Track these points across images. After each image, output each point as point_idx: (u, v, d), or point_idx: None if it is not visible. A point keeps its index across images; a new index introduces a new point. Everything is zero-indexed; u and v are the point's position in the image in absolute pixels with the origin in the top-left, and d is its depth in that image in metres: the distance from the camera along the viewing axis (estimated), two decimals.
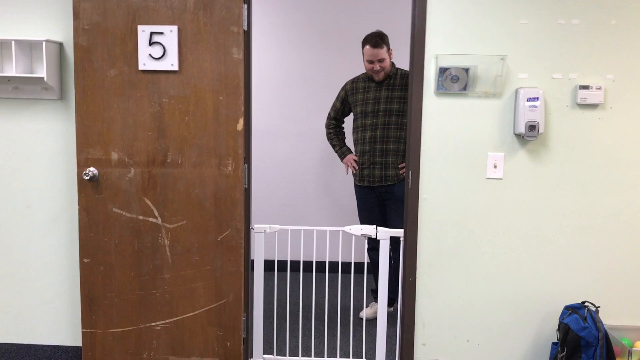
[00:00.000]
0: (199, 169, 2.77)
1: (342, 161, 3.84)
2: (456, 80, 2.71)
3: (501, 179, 2.79)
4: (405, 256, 2.88)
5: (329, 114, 3.88)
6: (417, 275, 2.87)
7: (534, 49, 2.70)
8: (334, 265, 4.41)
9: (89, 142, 2.77)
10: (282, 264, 4.32)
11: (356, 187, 3.79)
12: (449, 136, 2.78)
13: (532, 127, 2.67)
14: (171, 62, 2.69)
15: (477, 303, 2.88)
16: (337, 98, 3.83)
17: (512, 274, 2.85)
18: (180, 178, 2.78)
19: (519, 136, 2.75)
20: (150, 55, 2.69)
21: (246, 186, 2.83)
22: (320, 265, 4.43)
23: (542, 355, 2.88)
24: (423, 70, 2.73)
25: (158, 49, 2.68)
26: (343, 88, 3.79)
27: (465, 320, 2.89)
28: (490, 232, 2.83)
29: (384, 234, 2.99)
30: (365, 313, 3.78)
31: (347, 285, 4.27)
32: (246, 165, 2.82)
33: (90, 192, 2.80)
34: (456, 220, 2.83)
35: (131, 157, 2.77)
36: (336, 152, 3.85)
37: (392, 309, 3.90)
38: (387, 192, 3.66)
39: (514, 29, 2.69)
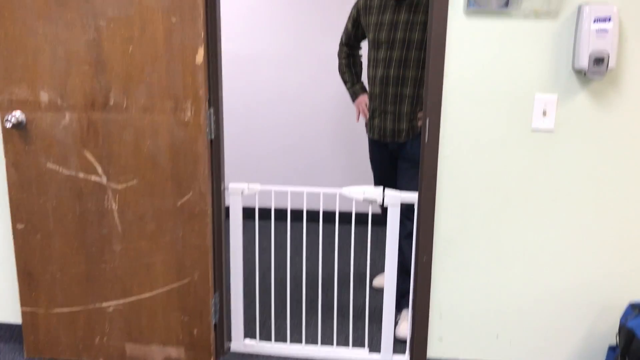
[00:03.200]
0: (150, 114, 2.13)
1: (353, 103, 3.07)
2: None
3: (552, 130, 2.06)
4: (419, 230, 2.21)
5: (341, 39, 3.06)
6: (433, 254, 2.22)
7: None
8: (330, 231, 3.77)
9: (11, 79, 2.15)
10: (266, 231, 3.69)
11: (368, 139, 3.03)
12: (482, 71, 2.04)
13: (599, 60, 1.90)
14: None
15: (510, 291, 2.21)
16: (349, 17, 2.98)
17: (559, 257, 2.16)
18: (126, 126, 2.15)
19: (579, 72, 1.99)
20: None
21: (212, 137, 2.19)
22: (313, 229, 3.79)
23: None
24: None
25: None
26: (355, 5, 2.93)
27: (495, 312, 2.24)
28: (532, 202, 2.13)
29: (393, 199, 2.32)
30: (379, 281, 3.18)
31: (345, 251, 3.63)
32: (211, 110, 2.16)
33: (18, 142, 2.21)
34: (487, 185, 2.13)
35: (65, 98, 2.15)
36: (347, 90, 3.09)
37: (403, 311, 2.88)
38: (399, 150, 2.84)
39: None
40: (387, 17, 2.70)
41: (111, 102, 2.13)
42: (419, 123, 2.73)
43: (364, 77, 3.47)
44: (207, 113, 2.13)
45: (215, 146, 2.21)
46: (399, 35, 2.65)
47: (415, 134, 2.72)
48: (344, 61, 3.05)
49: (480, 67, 2.03)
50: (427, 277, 2.24)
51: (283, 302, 3.00)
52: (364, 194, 2.34)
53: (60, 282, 2.33)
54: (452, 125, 2.09)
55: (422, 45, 2.62)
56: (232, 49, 4.03)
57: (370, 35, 2.76)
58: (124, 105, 2.13)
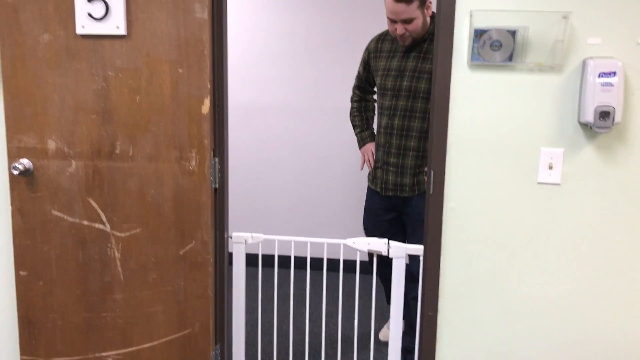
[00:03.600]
0: (155, 163, 2.14)
1: (359, 149, 3.02)
2: (498, 47, 1.95)
3: (558, 184, 2.03)
4: (424, 283, 2.17)
5: (354, 82, 3.02)
6: (439, 309, 2.17)
7: (613, 2, 1.90)
8: (336, 279, 3.73)
9: (20, 127, 2.18)
10: (269, 278, 3.67)
11: (368, 189, 2.94)
12: (487, 124, 2.03)
13: (604, 114, 1.89)
14: (116, 24, 2.05)
15: (518, 347, 2.15)
16: (361, 60, 2.94)
17: (567, 312, 2.10)
18: (131, 174, 2.16)
19: (585, 126, 1.98)
20: (90, 14, 2.06)
21: (216, 186, 2.19)
22: (317, 283, 3.75)
23: None
24: (452, 32, 1.98)
25: (99, 6, 2.05)
26: (367, 48, 2.88)
27: None
28: (540, 256, 2.08)
29: (399, 251, 2.28)
30: (384, 334, 3.11)
31: (351, 301, 3.58)
32: (216, 159, 2.17)
33: (24, 189, 2.22)
34: (494, 238, 2.10)
35: (72, 146, 2.17)
36: (355, 135, 3.01)
37: None
38: (403, 205, 2.75)
39: None
40: (395, 63, 2.66)
41: (117, 151, 2.15)
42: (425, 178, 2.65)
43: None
44: (211, 162, 2.13)
45: (220, 195, 2.21)
46: (405, 83, 2.60)
47: (421, 190, 2.65)
48: (355, 104, 3.03)
49: (485, 119, 2.03)
50: (433, 331, 2.18)
51: (286, 354, 2.94)
52: (369, 245, 2.31)
53: (61, 331, 2.30)
54: (457, 177, 2.08)
55: (429, 95, 2.54)
56: (241, 98, 4.08)
57: (378, 81, 2.73)
58: (130, 154, 2.15)
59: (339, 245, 2.35)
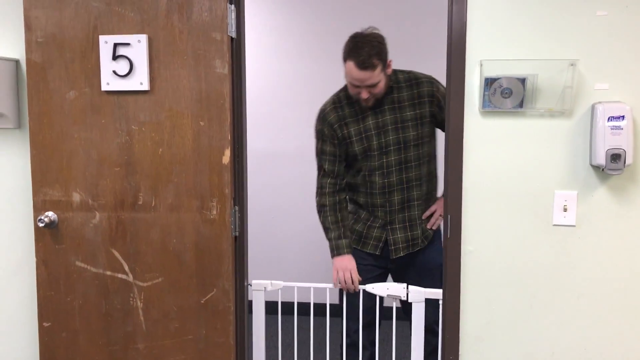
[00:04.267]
0: (177, 213, 2.19)
1: (333, 258, 2.48)
2: (508, 95, 2.01)
3: (573, 225, 2.06)
4: (444, 327, 2.18)
5: (320, 172, 2.55)
6: (460, 353, 2.17)
7: (618, 49, 1.98)
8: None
9: (46, 181, 2.25)
10: (289, 325, 3.69)
11: (352, 254, 2.51)
12: (501, 169, 2.08)
13: (616, 157, 1.94)
14: (140, 80, 2.14)
15: None
16: (323, 141, 2.52)
17: (591, 354, 2.10)
18: (154, 225, 2.21)
19: (597, 168, 2.02)
20: (114, 72, 2.15)
21: (236, 234, 2.23)
22: (337, 329, 3.75)
23: None
24: (464, 81, 2.06)
25: (124, 64, 2.14)
26: (324, 122, 2.51)
27: None
28: (559, 297, 2.10)
29: (418, 295, 2.30)
30: None
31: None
32: (236, 208, 2.22)
33: (49, 241, 2.27)
34: (512, 281, 2.12)
35: (96, 198, 2.23)
36: (327, 237, 2.52)
37: None
38: (409, 262, 2.54)
39: (589, 23, 1.98)
40: (370, 122, 2.48)
41: (140, 202, 2.21)
42: (432, 223, 2.56)
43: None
44: (232, 211, 2.18)
45: (240, 243, 2.25)
46: (392, 137, 2.46)
47: (430, 238, 2.56)
48: (325, 200, 2.52)
49: (498, 164, 2.08)
50: None
51: None
52: (388, 290, 2.33)
53: None
54: (474, 221, 2.11)
55: (419, 139, 2.47)
56: (255, 145, 4.16)
57: (356, 147, 2.48)
58: (152, 204, 2.20)
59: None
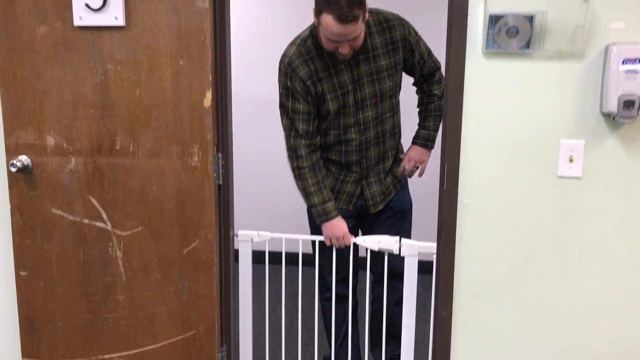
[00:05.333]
0: (156, 159, 2.06)
1: (321, 224, 2.32)
2: (514, 34, 1.84)
3: (579, 177, 1.92)
4: (438, 283, 2.07)
5: (292, 133, 2.30)
6: (454, 310, 2.07)
7: None
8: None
9: (18, 123, 2.11)
10: (277, 274, 3.60)
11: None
12: (503, 115, 1.92)
13: (629, 104, 1.78)
14: (115, 15, 1.97)
15: (539, 351, 2.05)
16: (294, 99, 2.26)
17: (591, 313, 1.99)
18: (132, 171, 2.09)
19: (607, 116, 1.86)
20: (87, 5, 1.98)
21: (220, 183, 2.10)
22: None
23: None
24: (466, 18, 1.88)
25: None
26: (293, 78, 2.24)
27: None
28: (560, 254, 1.98)
29: (411, 249, 2.19)
30: None
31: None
32: (219, 155, 2.08)
33: (23, 187, 2.16)
34: (511, 236, 1.99)
35: (71, 142, 2.10)
36: (312, 206, 2.32)
37: None
38: (384, 208, 2.46)
39: None
40: (345, 77, 2.26)
41: (117, 147, 2.07)
42: (401, 171, 2.47)
43: None
44: (214, 158, 2.05)
45: (224, 192, 2.13)
46: (368, 91, 2.26)
47: (401, 184, 2.51)
48: (302, 163, 2.29)
49: (501, 110, 1.92)
50: (447, 334, 2.08)
51: (295, 355, 2.86)
52: (379, 243, 2.22)
53: (63, 332, 2.24)
54: (472, 172, 1.97)
55: (394, 88, 2.33)
56: (249, 91, 3.99)
57: (332, 105, 2.27)
58: (130, 150, 2.07)
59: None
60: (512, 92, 1.90)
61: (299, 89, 2.25)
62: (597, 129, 1.88)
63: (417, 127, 2.48)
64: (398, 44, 2.30)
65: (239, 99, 3.98)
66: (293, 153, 2.33)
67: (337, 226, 2.29)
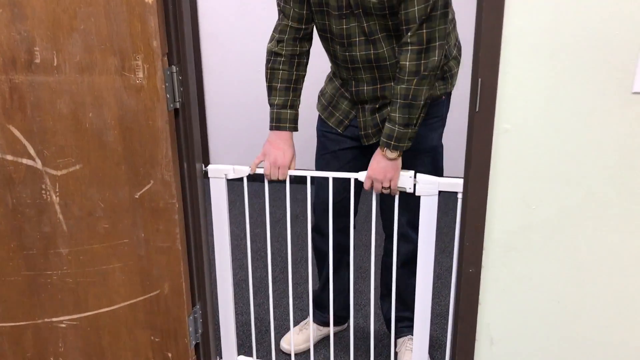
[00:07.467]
0: (89, 75, 1.54)
1: (269, 129, 1.88)
2: None
3: None
4: (463, 232, 1.61)
5: (281, 15, 1.84)
6: (483, 265, 1.61)
7: None
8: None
9: None
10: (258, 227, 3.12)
11: (324, 128, 2.02)
12: (560, 10, 1.36)
13: None
14: None
15: (588, 315, 1.61)
16: None
17: None
18: (60, 92, 1.57)
19: None
20: None
21: (176, 106, 1.59)
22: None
23: None
24: None
25: None
26: None
27: (566, 340, 1.65)
28: (629, 196, 1.49)
29: (430, 187, 1.70)
30: (287, 340, 2.27)
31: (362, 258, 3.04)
32: (173, 68, 1.56)
33: None
34: (564, 172, 1.50)
35: None
36: (269, 102, 1.88)
37: (345, 326, 2.31)
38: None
39: None
40: None
41: (37, 60, 1.55)
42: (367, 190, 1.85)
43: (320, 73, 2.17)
44: (166, 73, 1.52)
45: (183, 118, 1.62)
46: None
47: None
48: (286, 47, 1.83)
49: (555, 7, 1.36)
50: (475, 293, 1.64)
51: (285, 306, 2.47)
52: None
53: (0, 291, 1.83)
54: (514, 88, 1.44)
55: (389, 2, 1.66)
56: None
57: (318, 17, 1.80)
58: (54, 64, 1.54)
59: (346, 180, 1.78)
60: None
61: None
62: None
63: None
64: None
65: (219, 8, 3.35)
66: (275, 35, 1.86)
67: (281, 148, 1.82)
